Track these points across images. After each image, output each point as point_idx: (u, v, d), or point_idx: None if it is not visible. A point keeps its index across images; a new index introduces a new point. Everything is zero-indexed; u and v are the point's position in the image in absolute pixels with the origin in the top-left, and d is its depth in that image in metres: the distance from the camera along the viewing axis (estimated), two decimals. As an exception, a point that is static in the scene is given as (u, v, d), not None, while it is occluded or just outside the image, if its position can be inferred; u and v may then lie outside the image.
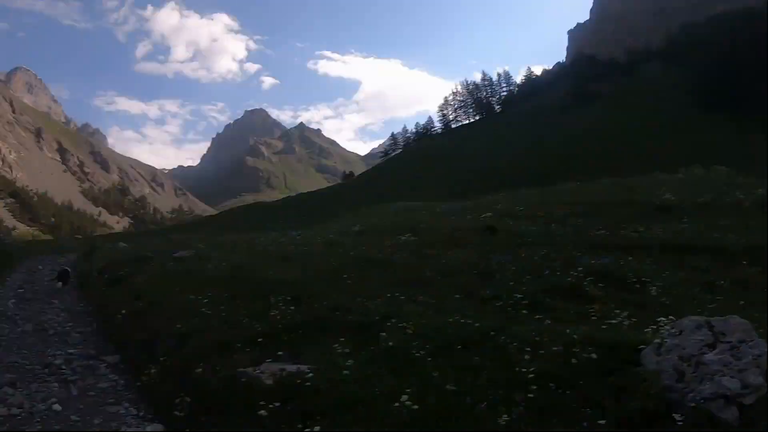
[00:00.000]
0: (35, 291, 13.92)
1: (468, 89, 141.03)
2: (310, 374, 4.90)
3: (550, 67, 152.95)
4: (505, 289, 7.92)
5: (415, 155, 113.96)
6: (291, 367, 5.28)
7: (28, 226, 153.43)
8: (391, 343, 5.66)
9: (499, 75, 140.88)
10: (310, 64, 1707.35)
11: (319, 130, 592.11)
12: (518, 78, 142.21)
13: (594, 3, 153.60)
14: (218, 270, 10.70)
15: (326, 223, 28.07)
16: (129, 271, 12.77)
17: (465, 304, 7.45)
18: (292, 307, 7.09)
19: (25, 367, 7.43)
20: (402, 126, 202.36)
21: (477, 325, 6.01)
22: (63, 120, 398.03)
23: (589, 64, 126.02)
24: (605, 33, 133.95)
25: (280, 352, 5.80)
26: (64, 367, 7.50)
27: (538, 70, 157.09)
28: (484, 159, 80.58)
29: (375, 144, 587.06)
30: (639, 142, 73.68)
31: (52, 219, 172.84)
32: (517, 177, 56.74)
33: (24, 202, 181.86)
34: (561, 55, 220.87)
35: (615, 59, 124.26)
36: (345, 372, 4.92)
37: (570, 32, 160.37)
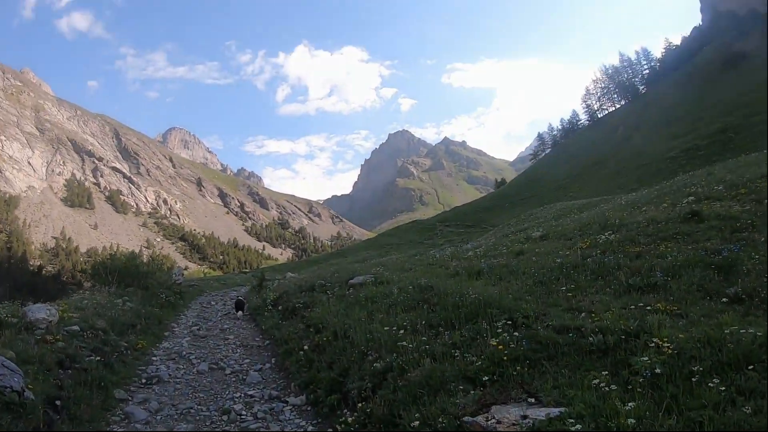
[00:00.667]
0: (209, 327, 13.69)
1: (608, 74, 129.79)
2: (576, 425, 3.67)
3: (689, 33, 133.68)
4: (758, 284, 6.46)
5: (566, 152, 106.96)
6: (536, 413, 4.12)
7: (198, 264, 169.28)
8: (658, 370, 4.36)
9: (637, 53, 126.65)
10: (444, 79, 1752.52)
11: (464, 142, 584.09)
12: (658, 52, 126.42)
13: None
14: (405, 293, 9.65)
15: (496, 233, 26.81)
16: (305, 301, 12.27)
17: (715, 307, 6.07)
18: (516, 333, 5.90)
19: (201, 414, 6.99)
20: (547, 125, 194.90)
21: (758, 334, 4.62)
22: (219, 168, 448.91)
23: (730, 21, 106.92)
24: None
25: (513, 393, 4.68)
26: (244, 412, 6.99)
27: (676, 39, 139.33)
28: (641, 144, 72.23)
29: (522, 147, 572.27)
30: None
31: (220, 256, 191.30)
32: (683, 158, 50.85)
33: (193, 244, 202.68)
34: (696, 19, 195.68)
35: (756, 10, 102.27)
36: (629, 419, 3.65)
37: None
